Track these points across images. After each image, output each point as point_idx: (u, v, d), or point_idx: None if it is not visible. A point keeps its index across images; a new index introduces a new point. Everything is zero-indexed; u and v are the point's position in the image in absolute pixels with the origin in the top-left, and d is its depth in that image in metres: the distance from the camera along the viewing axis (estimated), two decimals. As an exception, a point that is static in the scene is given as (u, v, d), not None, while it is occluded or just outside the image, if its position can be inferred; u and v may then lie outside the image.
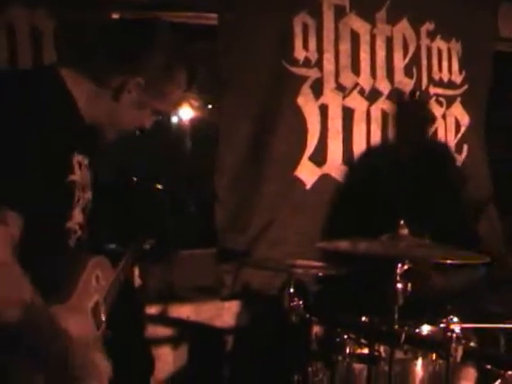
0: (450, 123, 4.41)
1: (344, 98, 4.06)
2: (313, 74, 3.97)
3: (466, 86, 4.44)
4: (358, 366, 2.85)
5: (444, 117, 4.39)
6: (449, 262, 2.88)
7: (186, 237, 3.94)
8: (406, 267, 2.72)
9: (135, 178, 3.41)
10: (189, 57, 2.24)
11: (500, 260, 3.48)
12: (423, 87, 4.30)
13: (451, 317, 2.60)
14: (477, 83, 4.48)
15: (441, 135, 4.39)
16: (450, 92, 4.40)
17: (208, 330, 3.96)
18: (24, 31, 3.21)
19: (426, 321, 2.87)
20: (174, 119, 5.35)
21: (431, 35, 4.31)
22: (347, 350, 2.84)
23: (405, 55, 4.23)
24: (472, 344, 2.74)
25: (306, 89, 3.95)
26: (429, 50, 4.31)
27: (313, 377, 2.92)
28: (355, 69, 4.09)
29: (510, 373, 2.59)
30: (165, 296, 3.83)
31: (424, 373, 2.84)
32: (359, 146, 4.12)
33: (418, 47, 4.27)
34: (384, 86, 4.17)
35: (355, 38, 4.08)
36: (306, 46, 3.94)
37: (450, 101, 4.40)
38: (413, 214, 2.96)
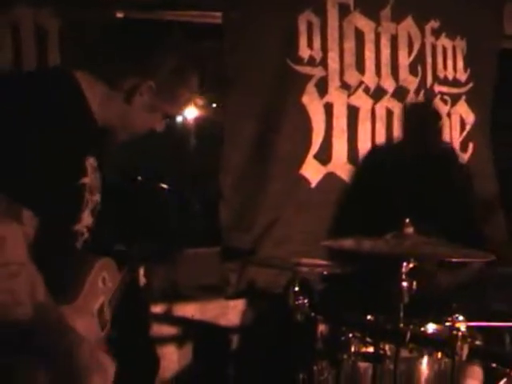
0: (455, 121, 4.41)
1: (349, 96, 4.06)
2: (317, 72, 3.97)
3: (471, 84, 4.43)
4: (363, 365, 2.85)
5: (449, 115, 4.38)
6: (454, 260, 2.88)
7: (190, 236, 3.93)
8: (411, 266, 2.72)
9: (139, 178, 3.41)
10: (200, 60, 2.25)
11: (505, 258, 3.47)
12: (428, 85, 4.29)
13: (457, 315, 2.60)
14: (482, 81, 4.46)
15: (446, 133, 4.37)
16: (454, 90, 4.39)
17: (213, 329, 3.96)
18: (29, 30, 3.21)
19: (432, 319, 2.87)
20: (179, 118, 5.35)
21: (436, 33, 4.30)
22: (352, 349, 2.85)
23: (409, 53, 4.22)
24: (477, 342, 2.74)
25: (310, 87, 3.94)
26: (434, 48, 4.30)
27: (318, 375, 2.92)
28: (360, 67, 4.08)
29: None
30: (169, 295, 3.83)
31: (429, 371, 2.84)
32: (364, 145, 4.11)
33: (423, 45, 4.26)
34: (389, 85, 4.16)
35: (360, 36, 4.08)
36: (310, 45, 3.94)
37: (455, 99, 4.39)
38: (418, 212, 2.96)
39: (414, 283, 2.70)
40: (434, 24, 4.30)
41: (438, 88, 4.32)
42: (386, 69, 4.15)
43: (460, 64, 4.40)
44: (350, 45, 4.04)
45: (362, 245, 2.90)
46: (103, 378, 1.98)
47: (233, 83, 3.78)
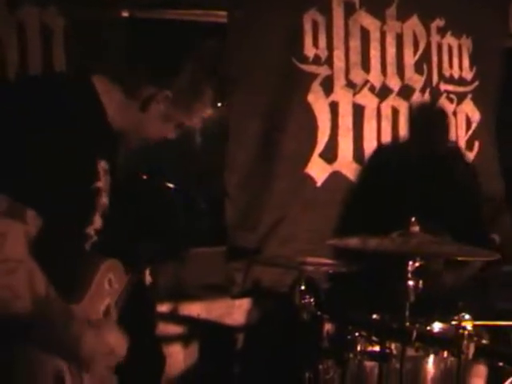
0: (461, 120, 4.40)
1: (354, 95, 4.05)
2: (323, 71, 3.96)
3: (476, 83, 4.43)
4: (369, 364, 2.85)
5: (455, 113, 4.37)
6: (460, 258, 2.87)
7: (196, 235, 3.93)
8: (417, 264, 2.71)
9: (145, 176, 3.41)
10: (218, 75, 2.25)
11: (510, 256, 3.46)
12: (434, 84, 4.29)
13: (463, 314, 2.59)
14: (487, 80, 4.46)
15: (452, 132, 4.37)
16: (460, 89, 4.38)
17: (219, 328, 3.96)
18: (34, 29, 3.21)
19: (438, 318, 2.87)
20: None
21: (441, 32, 4.30)
22: (358, 348, 2.84)
23: (415, 52, 4.22)
24: (484, 341, 2.73)
25: (316, 86, 3.94)
26: (439, 46, 4.30)
27: (324, 374, 2.92)
28: (365, 66, 4.08)
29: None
30: (175, 294, 3.83)
31: (435, 370, 2.84)
32: (370, 143, 4.11)
33: (429, 44, 4.26)
34: (394, 83, 4.16)
35: (365, 34, 4.08)
36: (315, 43, 3.94)
37: (461, 97, 4.39)
38: (423, 211, 2.95)
39: (420, 282, 2.69)
40: (439, 22, 4.29)
41: (443, 87, 4.32)
42: (391, 67, 4.15)
43: (466, 62, 4.39)
44: (355, 43, 4.04)
45: (368, 243, 2.90)
46: (112, 360, 2.07)
47: (238, 82, 3.77)
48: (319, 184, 3.99)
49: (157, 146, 2.35)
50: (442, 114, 4.32)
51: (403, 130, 4.21)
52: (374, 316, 2.90)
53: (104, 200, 2.14)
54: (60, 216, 1.91)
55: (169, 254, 3.71)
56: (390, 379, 2.73)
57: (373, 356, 2.82)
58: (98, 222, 2.12)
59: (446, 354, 2.76)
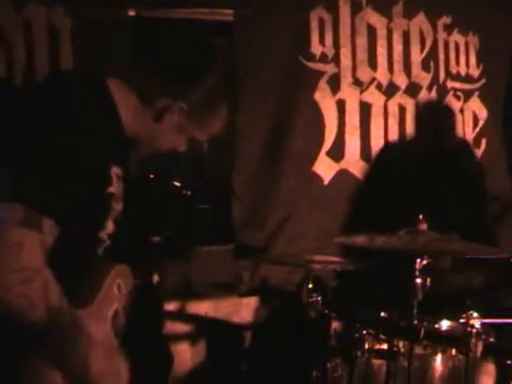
0: (468, 117, 4.39)
1: (361, 92, 4.05)
2: (329, 69, 3.96)
3: (483, 80, 4.42)
4: (376, 362, 2.84)
5: (462, 111, 4.36)
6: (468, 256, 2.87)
7: (203, 233, 3.93)
8: (424, 262, 2.71)
9: (152, 175, 3.42)
10: (232, 92, 2.25)
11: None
12: (441, 81, 4.28)
13: (471, 312, 2.59)
14: (494, 77, 4.45)
15: (459, 129, 4.36)
16: (467, 86, 4.37)
17: (226, 327, 3.96)
18: (41, 29, 3.21)
19: (446, 316, 2.86)
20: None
21: (448, 29, 4.29)
22: (366, 346, 2.83)
23: (422, 49, 4.21)
24: (492, 339, 2.73)
25: (322, 84, 3.94)
26: (446, 43, 4.29)
27: (332, 372, 2.91)
28: (372, 63, 4.08)
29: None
30: (183, 292, 3.83)
31: (443, 368, 2.82)
32: (377, 141, 4.11)
33: (435, 41, 4.25)
34: (401, 81, 4.15)
35: (372, 32, 4.07)
36: (322, 41, 3.94)
37: (468, 95, 4.38)
38: (431, 209, 2.95)
39: (428, 280, 2.69)
40: (446, 20, 4.28)
41: (450, 84, 4.31)
42: (398, 65, 4.14)
43: (473, 60, 4.38)
44: (362, 41, 4.03)
45: (375, 241, 2.89)
46: (117, 382, 2.04)
47: (245, 81, 3.77)
48: (326, 182, 3.99)
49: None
50: (449, 111, 4.31)
51: (410, 128, 4.20)
52: (382, 314, 2.88)
53: (116, 205, 2.14)
54: (73, 221, 1.91)
55: (176, 253, 3.71)
56: (398, 377, 2.72)
57: (381, 354, 2.81)
58: (110, 226, 2.12)
59: (454, 352, 2.75)
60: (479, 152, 4.41)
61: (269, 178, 3.86)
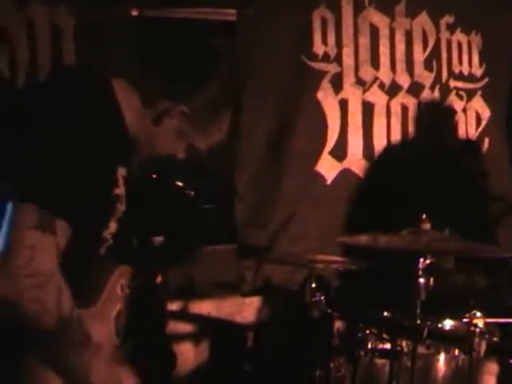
0: (471, 117, 4.39)
1: (364, 92, 4.05)
2: (332, 68, 3.96)
3: (486, 79, 4.41)
4: (380, 361, 2.84)
5: (464, 110, 4.36)
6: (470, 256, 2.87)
7: (206, 233, 3.93)
8: (428, 262, 2.70)
9: (154, 176, 3.42)
10: (235, 104, 2.23)
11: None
12: (443, 81, 4.28)
13: (474, 311, 2.59)
14: (497, 76, 4.45)
15: (461, 129, 4.36)
16: (470, 85, 4.37)
17: (229, 326, 3.96)
18: (44, 28, 3.21)
19: (449, 315, 2.86)
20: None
21: (451, 28, 4.29)
22: (369, 345, 2.83)
23: (424, 48, 4.21)
24: (495, 339, 2.73)
25: (325, 83, 3.94)
26: (449, 43, 4.29)
27: (335, 372, 2.91)
28: (375, 63, 4.08)
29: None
30: (185, 292, 3.83)
31: (447, 368, 2.82)
32: (379, 141, 4.11)
33: (438, 40, 4.25)
34: (404, 80, 4.15)
35: (374, 32, 4.07)
36: (325, 41, 3.94)
37: (471, 94, 4.38)
38: (433, 208, 2.94)
39: (431, 279, 2.69)
40: (448, 19, 4.28)
41: (453, 83, 4.31)
42: (400, 64, 4.14)
43: (475, 59, 4.38)
44: (364, 41, 4.03)
45: (378, 241, 2.89)
46: None
47: (247, 80, 3.77)
48: (329, 182, 3.99)
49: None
50: (452, 110, 4.31)
51: (413, 128, 4.20)
52: (385, 313, 2.89)
53: (120, 206, 2.14)
54: (80, 222, 1.91)
55: (179, 253, 3.71)
56: (401, 377, 2.72)
57: (384, 354, 2.81)
58: (113, 226, 2.12)
59: (457, 351, 2.75)
60: (482, 152, 4.40)
61: (272, 177, 3.86)
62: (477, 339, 2.49)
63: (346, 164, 4.02)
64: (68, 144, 1.91)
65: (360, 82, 4.04)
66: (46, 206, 1.84)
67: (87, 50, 3.25)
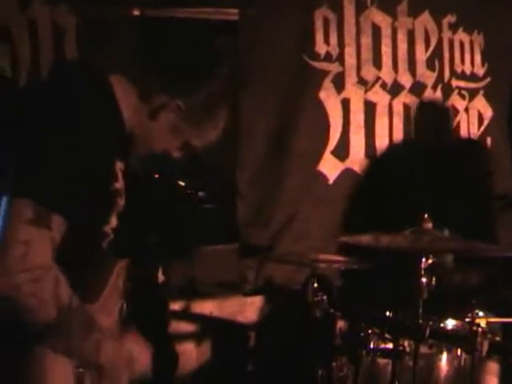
0: (473, 116, 4.39)
1: (366, 91, 4.05)
2: (334, 68, 3.96)
3: (488, 79, 4.41)
4: (382, 361, 2.85)
5: (467, 110, 4.36)
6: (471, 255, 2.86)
7: (208, 233, 3.93)
8: (430, 261, 2.70)
9: (156, 175, 3.42)
10: (232, 103, 2.23)
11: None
12: (445, 80, 4.28)
13: (476, 311, 2.58)
14: (500, 76, 4.44)
15: (463, 128, 4.36)
16: (472, 85, 4.37)
17: (231, 326, 3.96)
18: (46, 28, 3.21)
19: (451, 315, 2.86)
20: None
21: (453, 27, 4.29)
22: (371, 345, 2.84)
23: (427, 48, 4.21)
24: (497, 338, 2.72)
25: (327, 83, 3.94)
26: (451, 42, 4.29)
27: (337, 372, 2.91)
28: (377, 62, 4.08)
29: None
30: (187, 292, 3.83)
31: (449, 367, 2.83)
32: (381, 140, 4.10)
33: (440, 40, 4.25)
34: (406, 80, 4.15)
35: (376, 31, 4.07)
36: (327, 41, 3.94)
37: (473, 94, 4.38)
38: (435, 207, 2.94)
39: (434, 279, 2.69)
40: (450, 18, 4.28)
41: (455, 83, 4.31)
42: (403, 64, 4.14)
43: (477, 58, 4.38)
44: (366, 40, 4.03)
45: (380, 240, 2.89)
46: (134, 370, 2.07)
47: (249, 80, 3.77)
48: (331, 181, 3.99)
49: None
50: (454, 109, 4.31)
51: (415, 127, 4.20)
52: (387, 313, 2.89)
53: (120, 200, 2.14)
54: (81, 217, 1.91)
55: (180, 252, 3.71)
56: (403, 376, 2.72)
57: (386, 353, 2.81)
58: (114, 221, 2.12)
59: (459, 351, 2.75)
60: (485, 151, 4.40)
61: (273, 177, 3.86)
62: (479, 339, 2.50)
63: (348, 163, 4.02)
64: (67, 140, 1.91)
65: (362, 81, 4.04)
66: (45, 201, 1.85)
67: (89, 49, 3.25)
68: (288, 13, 3.83)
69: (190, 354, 3.85)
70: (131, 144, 2.15)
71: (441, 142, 4.28)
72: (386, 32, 4.09)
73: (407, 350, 2.73)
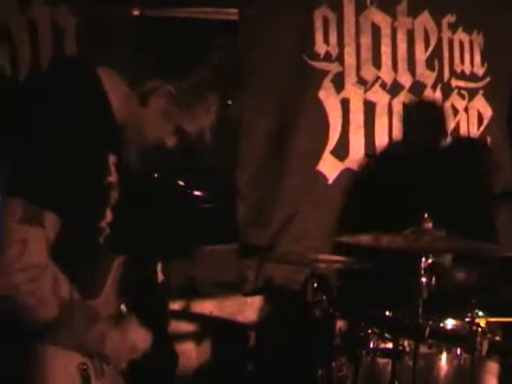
0: (473, 116, 4.39)
1: (365, 91, 4.05)
2: (334, 68, 3.96)
3: (488, 79, 4.41)
4: (382, 361, 2.84)
5: (466, 110, 4.36)
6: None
7: (207, 232, 3.93)
8: (430, 261, 2.70)
9: (156, 175, 3.42)
10: (224, 86, 2.22)
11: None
12: (445, 80, 4.28)
13: (476, 311, 2.59)
14: (499, 76, 4.45)
15: (463, 128, 4.36)
16: (472, 84, 4.37)
17: (231, 326, 3.96)
18: (46, 28, 3.21)
19: (451, 315, 2.86)
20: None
21: (453, 27, 4.29)
22: (371, 345, 2.84)
23: (426, 48, 4.21)
24: (497, 338, 2.72)
25: (327, 83, 3.94)
26: (450, 42, 4.29)
27: (337, 372, 2.91)
28: (376, 62, 4.08)
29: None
30: (187, 292, 3.83)
31: (449, 367, 2.83)
32: (381, 140, 4.11)
33: (440, 39, 4.25)
34: (405, 79, 4.15)
35: (376, 31, 4.07)
36: (326, 40, 3.94)
37: (473, 93, 4.38)
38: (435, 207, 2.94)
39: (433, 279, 2.69)
40: (450, 18, 4.28)
41: (455, 82, 4.31)
42: (402, 64, 4.14)
43: (477, 58, 4.38)
44: (366, 40, 4.03)
45: (380, 240, 2.89)
46: (134, 354, 2.11)
47: (249, 80, 3.77)
48: (330, 181, 3.99)
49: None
50: (454, 109, 4.31)
51: (414, 127, 4.20)
52: (387, 313, 2.89)
53: (114, 194, 2.13)
54: (75, 212, 1.90)
55: (180, 252, 3.71)
56: (403, 376, 2.72)
57: (386, 353, 2.81)
58: (109, 215, 2.12)
59: (459, 350, 2.75)
60: (485, 151, 4.40)
61: (273, 177, 3.86)
62: (479, 338, 2.50)
63: (347, 163, 4.02)
64: (57, 135, 1.90)
65: (362, 81, 4.05)
66: (38, 199, 1.84)
67: (89, 49, 3.25)
68: (287, 12, 3.83)
69: (190, 354, 3.85)
70: (123, 136, 2.13)
71: (442, 140, 4.28)
72: (386, 32, 4.09)
73: (407, 349, 2.73)
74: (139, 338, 2.11)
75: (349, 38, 4.00)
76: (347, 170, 4.02)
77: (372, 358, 2.84)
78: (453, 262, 3.47)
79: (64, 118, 1.93)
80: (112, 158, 2.07)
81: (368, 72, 4.06)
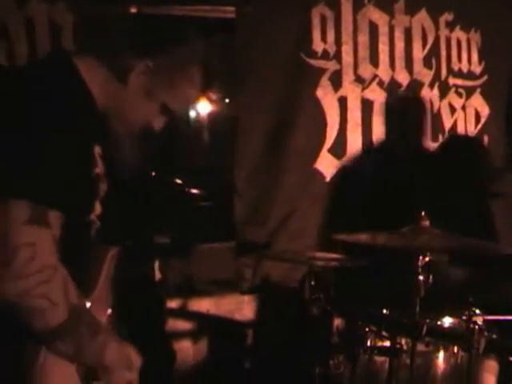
0: (470, 114, 4.39)
1: (363, 89, 4.05)
2: (331, 66, 3.96)
3: (485, 77, 4.42)
4: (379, 359, 2.84)
5: (464, 108, 4.36)
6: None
7: (205, 230, 3.93)
8: (427, 259, 2.70)
9: (153, 173, 3.41)
10: (206, 57, 2.17)
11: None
12: (442, 78, 4.28)
13: (473, 309, 2.58)
14: (497, 74, 4.45)
15: (460, 126, 4.36)
16: (469, 83, 4.37)
17: (228, 324, 3.96)
18: (43, 25, 3.22)
19: (448, 313, 2.86)
20: (192, 113, 5.36)
21: (450, 26, 4.29)
22: (368, 343, 2.84)
23: (424, 46, 4.21)
24: (494, 336, 2.72)
25: (324, 81, 3.94)
26: (448, 40, 4.29)
27: (334, 370, 2.91)
28: (374, 60, 4.08)
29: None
30: (184, 290, 3.83)
31: (446, 365, 2.82)
32: (379, 138, 4.11)
33: (437, 38, 4.25)
34: (403, 78, 4.15)
35: (373, 29, 4.07)
36: (324, 38, 3.94)
37: (470, 92, 4.38)
38: (433, 206, 2.94)
39: (431, 277, 2.69)
40: (447, 16, 4.28)
41: (452, 81, 4.31)
42: (400, 62, 4.14)
43: (475, 56, 4.38)
44: (363, 38, 4.03)
45: (377, 238, 2.89)
46: (132, 373, 2.03)
47: (246, 78, 3.77)
48: (328, 179, 3.99)
49: (165, 143, 2.28)
50: (451, 107, 4.32)
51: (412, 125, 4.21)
52: (384, 311, 2.89)
53: (103, 186, 2.11)
54: (66, 207, 1.86)
55: (178, 250, 3.71)
56: (401, 374, 2.72)
57: (383, 351, 2.81)
58: (98, 208, 2.10)
59: (456, 348, 2.75)
60: (483, 149, 4.41)
61: (271, 174, 3.86)
62: (476, 336, 2.50)
63: (345, 161, 4.02)
64: (41, 132, 1.86)
65: (359, 79, 4.04)
66: (42, 198, 1.81)
67: (86, 47, 3.24)
68: (285, 10, 3.83)
69: (187, 352, 3.85)
70: (107, 124, 2.08)
71: (438, 139, 4.28)
72: (383, 30, 4.09)
73: (404, 347, 2.73)
74: (132, 353, 2.05)
75: (346, 36, 4.00)
76: (345, 168, 4.02)
77: (369, 356, 2.84)
78: (449, 260, 3.47)
79: (44, 114, 1.88)
80: (97, 149, 2.04)
81: (365, 70, 4.06)
